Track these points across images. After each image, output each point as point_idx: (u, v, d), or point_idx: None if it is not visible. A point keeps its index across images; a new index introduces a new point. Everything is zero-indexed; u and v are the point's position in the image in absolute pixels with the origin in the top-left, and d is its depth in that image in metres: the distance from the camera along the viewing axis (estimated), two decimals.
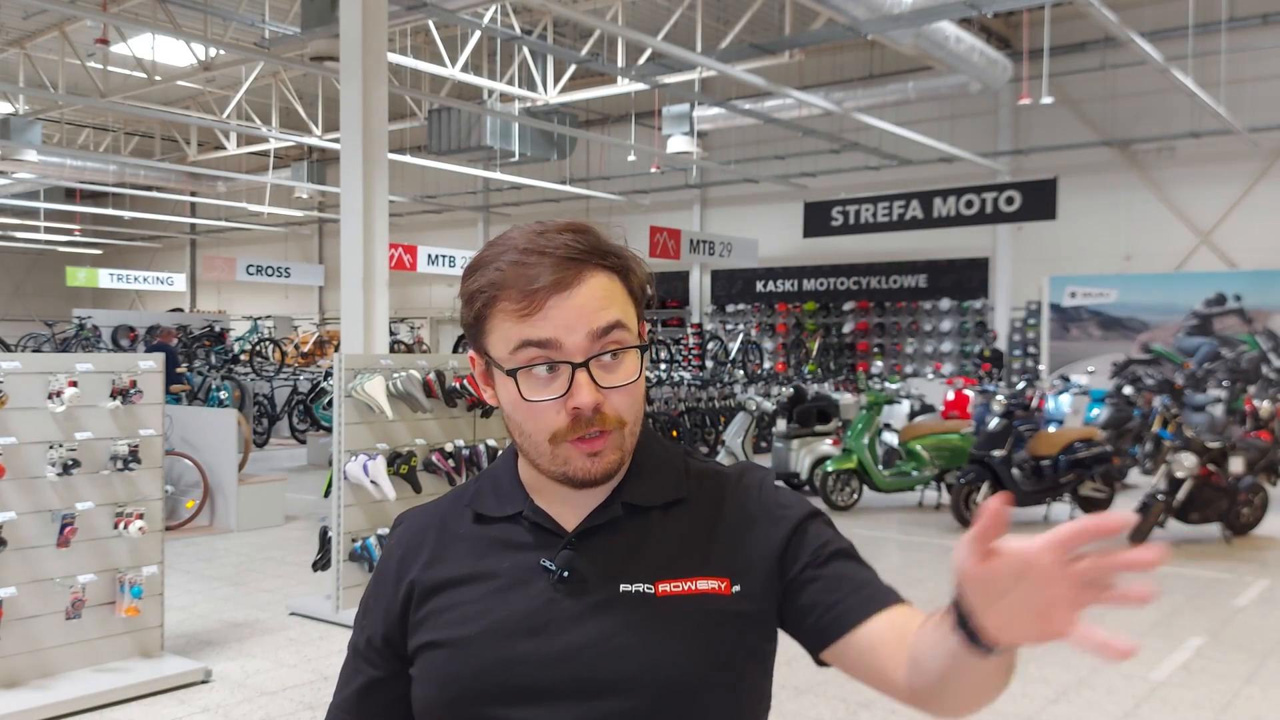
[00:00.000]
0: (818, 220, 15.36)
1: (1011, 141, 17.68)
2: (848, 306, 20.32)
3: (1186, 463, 8.24)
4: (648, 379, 1.21)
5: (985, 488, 9.33)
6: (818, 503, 10.22)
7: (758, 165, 19.47)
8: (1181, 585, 7.25)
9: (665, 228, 15.60)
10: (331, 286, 27.04)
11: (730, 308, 21.76)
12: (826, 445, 10.78)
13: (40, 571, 4.74)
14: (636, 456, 1.20)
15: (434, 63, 13.85)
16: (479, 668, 1.12)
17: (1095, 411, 12.83)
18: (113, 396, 4.95)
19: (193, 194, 25.47)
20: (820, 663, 1.17)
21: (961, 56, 12.48)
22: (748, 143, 19.66)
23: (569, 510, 1.18)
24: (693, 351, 17.51)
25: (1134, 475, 12.05)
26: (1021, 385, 11.54)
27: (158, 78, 16.36)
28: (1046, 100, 12.71)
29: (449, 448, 6.38)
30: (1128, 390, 12.75)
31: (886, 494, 10.51)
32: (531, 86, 15.04)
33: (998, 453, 9.25)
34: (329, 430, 11.80)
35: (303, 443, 14.78)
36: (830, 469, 10.19)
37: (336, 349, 8.82)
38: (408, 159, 18.22)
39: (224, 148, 19.82)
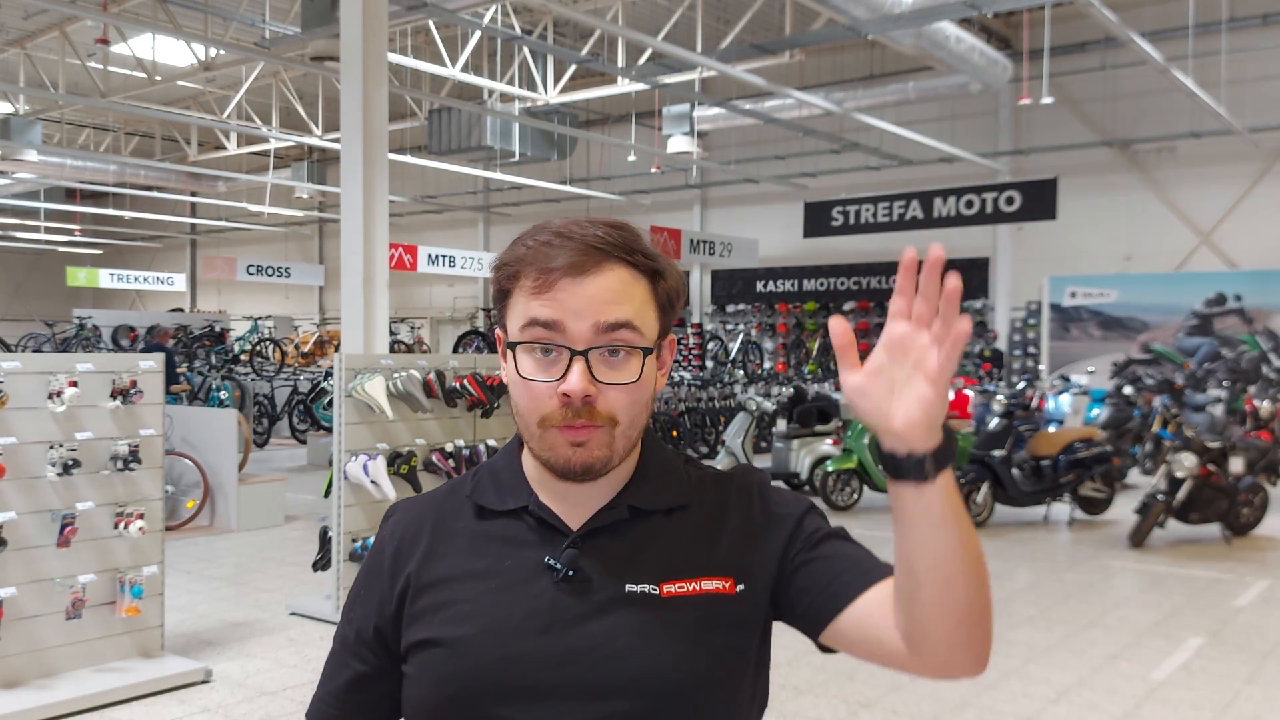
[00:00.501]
0: (818, 220, 15.35)
1: (1012, 141, 17.68)
2: (848, 306, 20.31)
3: (1186, 463, 8.25)
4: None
5: (985, 488, 9.34)
6: (818, 503, 10.32)
7: (758, 165, 19.47)
8: (1181, 585, 7.25)
9: (665, 228, 15.61)
10: (331, 286, 27.04)
11: (730, 308, 21.76)
12: (827, 445, 10.79)
13: (41, 571, 4.74)
14: (642, 461, 1.20)
15: (434, 63, 13.85)
16: (479, 667, 1.11)
17: (1095, 411, 12.82)
18: (113, 396, 4.95)
19: (193, 194, 25.47)
20: (823, 648, 1.16)
21: (962, 56, 12.48)
22: (748, 143, 19.66)
23: (573, 508, 1.17)
24: (693, 351, 17.51)
25: (1134, 475, 12.05)
26: (1021, 385, 11.55)
27: (158, 78, 16.36)
28: (1046, 100, 12.72)
29: (449, 448, 6.38)
30: (1128, 390, 12.75)
31: (886, 494, 10.50)
32: (532, 86, 15.04)
33: (998, 453, 9.25)
34: (329, 430, 11.80)
35: (303, 443, 14.79)
36: (830, 469, 10.19)
37: (337, 349, 8.82)
38: (408, 159, 18.22)
39: (224, 148, 19.82)
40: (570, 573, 1.13)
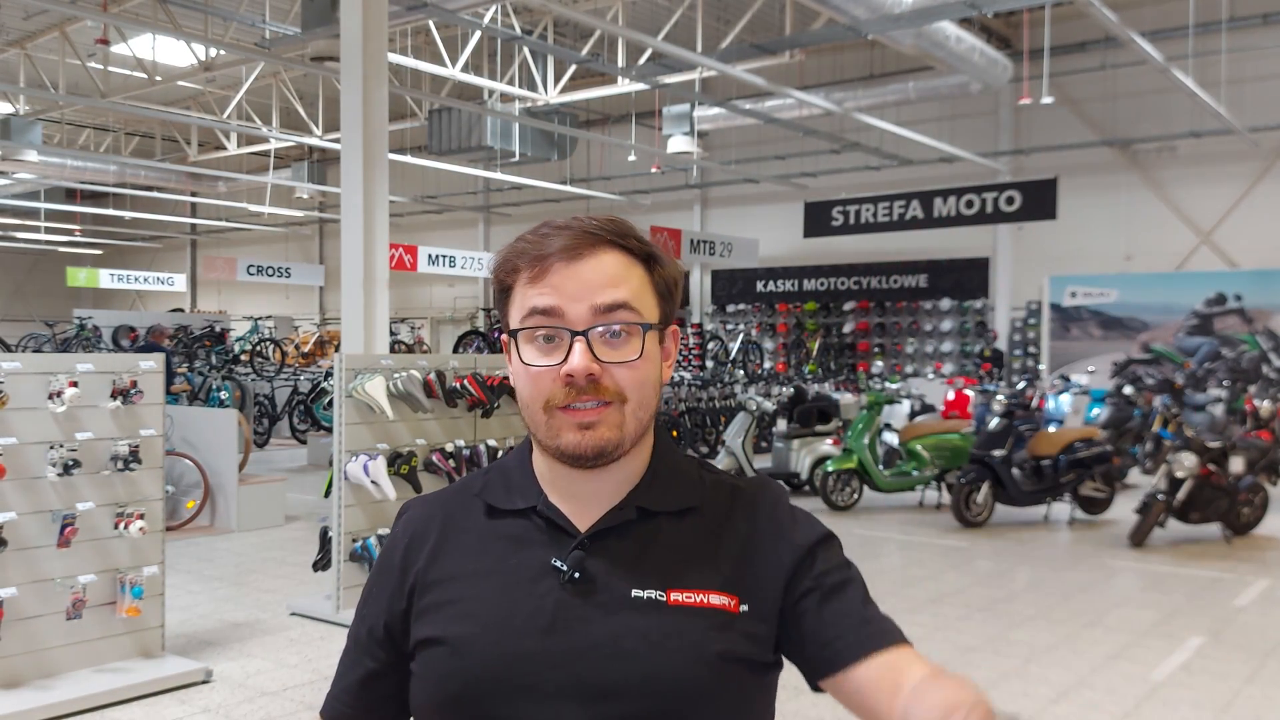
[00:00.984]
0: (818, 220, 15.36)
1: (1012, 141, 17.68)
2: (848, 306, 20.32)
3: (1187, 463, 8.25)
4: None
5: (985, 487, 9.34)
6: (818, 503, 10.25)
7: (758, 165, 19.47)
8: (1181, 585, 7.25)
9: (665, 228, 15.60)
10: (332, 286, 27.05)
11: (730, 308, 21.76)
12: (827, 445, 10.79)
13: (41, 572, 4.74)
14: (652, 463, 1.19)
15: (434, 63, 13.85)
16: (482, 665, 1.11)
17: (1095, 411, 12.83)
18: (113, 397, 4.95)
19: (193, 194, 25.48)
20: (816, 688, 1.17)
21: (962, 56, 12.48)
22: (748, 143, 19.66)
23: (581, 509, 1.16)
24: (693, 351, 17.50)
25: (1134, 475, 12.05)
26: (1022, 385, 11.55)
27: (158, 78, 16.37)
28: (1047, 100, 12.71)
29: (449, 448, 6.39)
30: (1128, 390, 12.75)
31: (887, 494, 10.51)
32: (532, 86, 15.04)
33: (998, 453, 9.25)
34: (329, 430, 11.80)
35: (303, 443, 14.79)
36: (830, 469, 10.19)
37: (337, 349, 8.83)
38: (408, 159, 18.23)
39: (224, 148, 19.82)
40: (576, 574, 1.12)
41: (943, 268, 18.97)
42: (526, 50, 14.50)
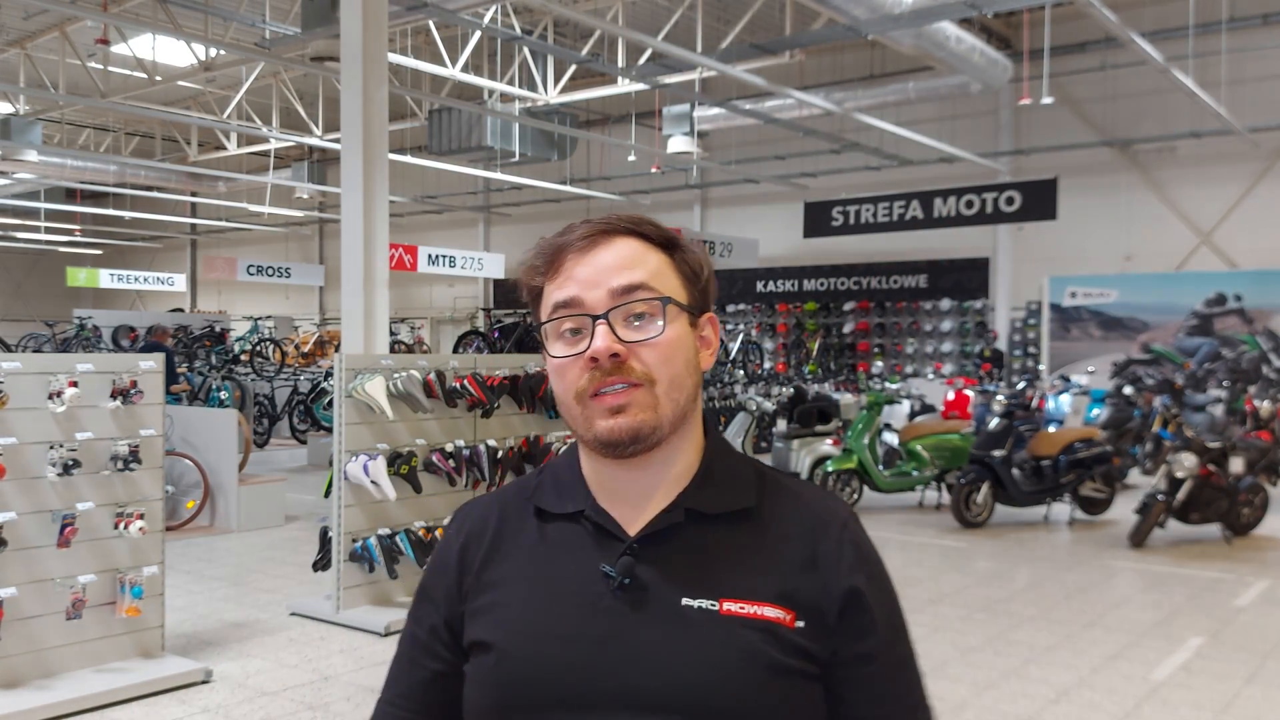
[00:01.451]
0: (818, 220, 15.36)
1: (1012, 141, 17.68)
2: (848, 306, 20.32)
3: (1186, 463, 8.24)
4: None
5: (985, 488, 9.34)
6: None
7: (758, 165, 19.47)
8: (1181, 585, 7.25)
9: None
10: (332, 286, 27.04)
11: (730, 308, 21.75)
12: (827, 445, 10.78)
13: (41, 572, 4.74)
14: (703, 462, 1.16)
15: (434, 63, 13.85)
16: (529, 673, 1.09)
17: (1095, 411, 12.82)
18: (113, 397, 4.95)
19: (193, 194, 25.48)
20: None
21: (962, 56, 12.48)
22: (748, 143, 19.66)
23: (630, 511, 1.14)
24: None
25: (1134, 475, 12.05)
26: (1022, 385, 11.55)
27: (158, 78, 16.36)
28: (1047, 100, 12.71)
29: (449, 448, 6.39)
30: (1128, 390, 12.75)
31: (887, 494, 10.51)
32: (532, 86, 15.04)
33: (998, 453, 9.25)
34: (329, 430, 11.80)
35: (303, 443, 14.79)
36: (830, 469, 10.18)
37: (337, 349, 8.82)
38: (408, 159, 18.23)
39: (224, 148, 19.82)
40: (626, 580, 1.10)
41: (943, 268, 18.98)
42: (526, 50, 14.50)
